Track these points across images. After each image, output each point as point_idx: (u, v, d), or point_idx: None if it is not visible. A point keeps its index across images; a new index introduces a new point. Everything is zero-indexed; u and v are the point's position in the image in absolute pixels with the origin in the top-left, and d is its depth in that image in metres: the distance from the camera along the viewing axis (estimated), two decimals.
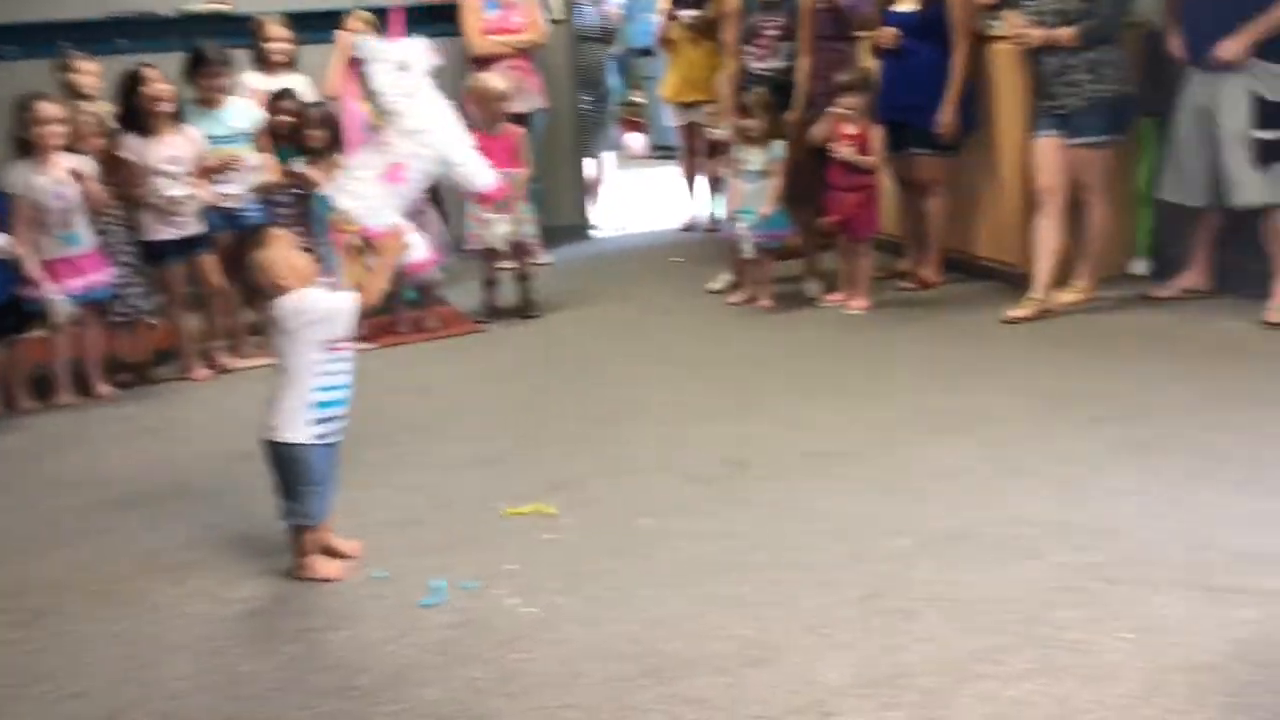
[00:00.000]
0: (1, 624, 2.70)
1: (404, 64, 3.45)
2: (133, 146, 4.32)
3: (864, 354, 4.44)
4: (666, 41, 6.91)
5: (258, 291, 2.90)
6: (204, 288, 4.61)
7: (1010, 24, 4.74)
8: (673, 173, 8.11)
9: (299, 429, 2.78)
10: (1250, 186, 4.41)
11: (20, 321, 4.31)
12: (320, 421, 2.79)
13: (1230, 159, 4.45)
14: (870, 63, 5.35)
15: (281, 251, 2.77)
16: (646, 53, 9.21)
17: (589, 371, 4.42)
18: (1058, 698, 2.20)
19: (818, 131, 5.04)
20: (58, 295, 4.15)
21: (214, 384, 4.52)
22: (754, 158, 5.01)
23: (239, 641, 2.59)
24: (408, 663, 2.45)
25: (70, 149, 4.21)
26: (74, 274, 4.20)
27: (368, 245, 3.66)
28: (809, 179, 5.27)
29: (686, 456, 3.49)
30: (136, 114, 4.30)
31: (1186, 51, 4.59)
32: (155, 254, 4.45)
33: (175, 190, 4.33)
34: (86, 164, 4.20)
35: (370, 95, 3.66)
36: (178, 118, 4.39)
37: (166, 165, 4.33)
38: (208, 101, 4.58)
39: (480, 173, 3.82)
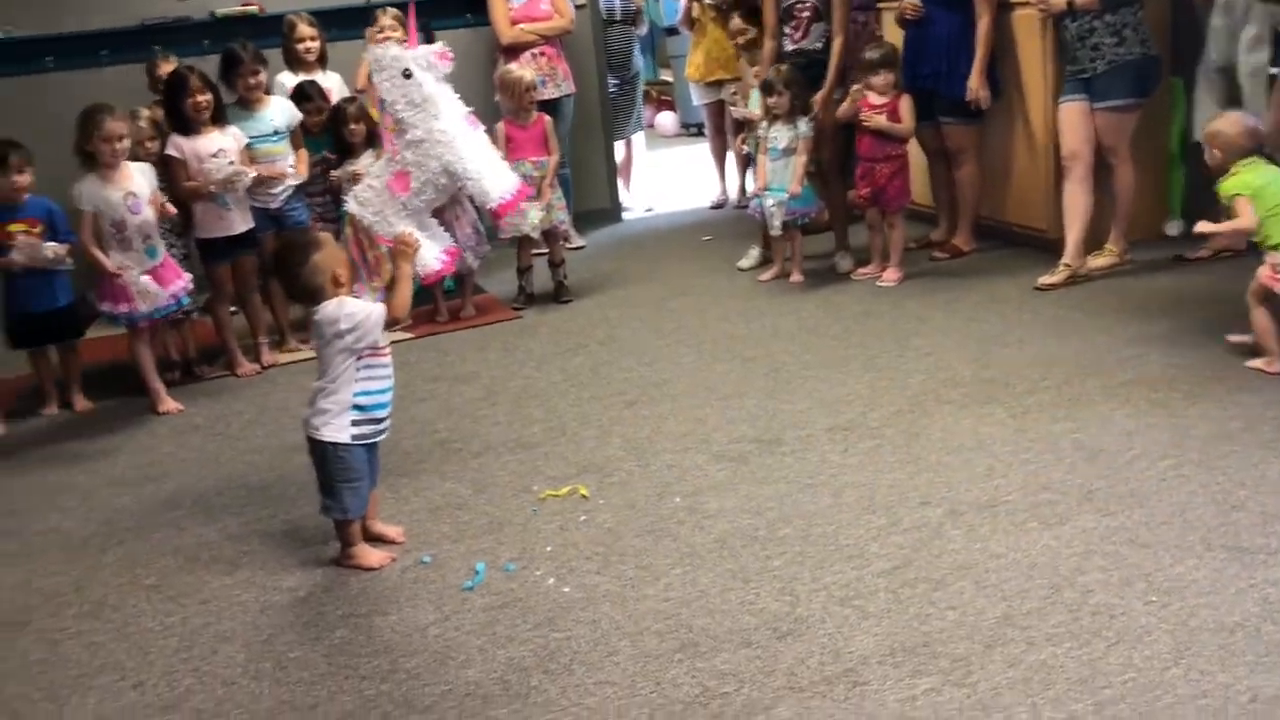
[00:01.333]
0: (68, 616, 2.83)
1: (409, 72, 3.33)
2: (179, 145, 4.41)
3: (896, 326, 4.46)
4: (691, 21, 6.93)
5: (299, 293, 2.98)
6: (247, 286, 4.72)
7: None
8: (702, 151, 8.15)
9: (338, 429, 2.86)
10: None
11: (77, 326, 4.46)
12: (359, 423, 2.87)
13: (1252, 97, 4.40)
14: (893, 33, 5.35)
15: (326, 256, 2.85)
16: (674, 31, 9.23)
17: (622, 354, 4.49)
18: (1086, 660, 2.24)
19: (845, 105, 5.05)
20: (132, 310, 4.19)
21: (259, 380, 4.64)
22: (781, 135, 5.03)
23: (288, 629, 2.69)
24: (451, 644, 2.54)
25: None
26: (160, 284, 4.25)
27: (377, 255, 3.65)
28: (838, 153, 5.29)
29: (717, 435, 3.55)
30: (181, 116, 4.40)
31: None
32: (205, 252, 4.57)
33: (227, 170, 4.41)
34: (149, 172, 4.26)
35: (380, 104, 3.61)
36: (219, 118, 4.48)
37: (214, 158, 4.43)
38: (247, 102, 4.68)
39: (493, 187, 3.53)
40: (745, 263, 5.58)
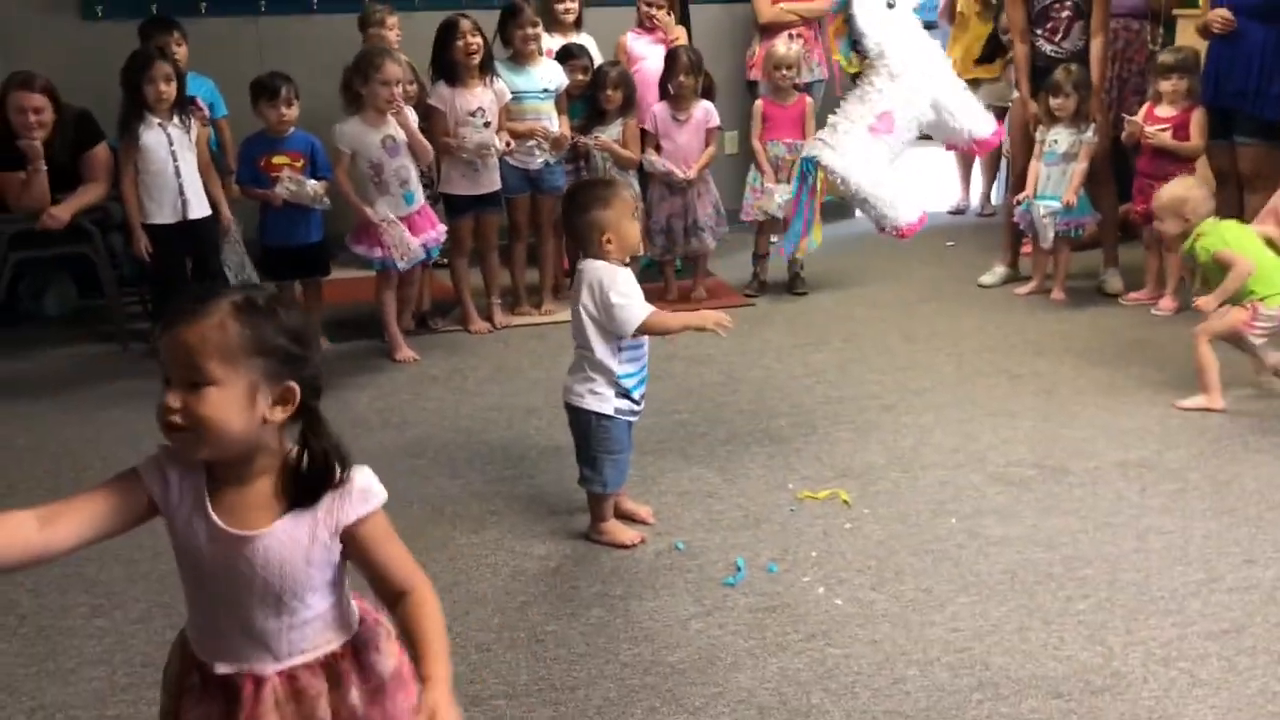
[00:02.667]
0: None
1: (893, 3, 3.08)
2: (442, 95, 4.38)
3: (1180, 359, 4.02)
4: (953, 14, 6.56)
5: (572, 232, 2.85)
6: (487, 244, 4.66)
7: None
8: (939, 153, 7.74)
9: (603, 400, 2.72)
10: None
11: (325, 263, 4.48)
12: (623, 396, 2.73)
13: None
14: (1193, 42, 4.89)
15: (610, 215, 2.68)
16: (927, 26, 8.83)
17: (869, 354, 4.22)
18: None
19: (1129, 117, 4.64)
20: (385, 256, 4.14)
21: (490, 338, 4.57)
22: (1061, 139, 4.66)
23: (541, 600, 2.55)
24: (716, 643, 2.35)
25: None
26: (414, 232, 4.19)
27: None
28: (1107, 162, 4.88)
29: (991, 454, 3.26)
30: (449, 64, 4.36)
31: None
32: (449, 205, 4.52)
33: (480, 137, 4.36)
34: (410, 116, 4.17)
35: (853, 37, 3.42)
36: (487, 70, 4.41)
37: (471, 116, 4.37)
38: (520, 56, 4.61)
39: (979, 120, 3.39)
40: (988, 279, 5.20)
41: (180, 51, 4.69)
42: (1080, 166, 4.65)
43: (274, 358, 1.34)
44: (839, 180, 3.16)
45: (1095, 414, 3.55)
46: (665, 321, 2.77)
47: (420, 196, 4.23)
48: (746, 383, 3.96)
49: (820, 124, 4.42)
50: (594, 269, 2.69)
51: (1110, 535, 2.75)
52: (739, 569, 2.64)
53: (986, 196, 6.70)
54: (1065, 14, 4.79)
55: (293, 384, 1.36)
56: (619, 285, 2.66)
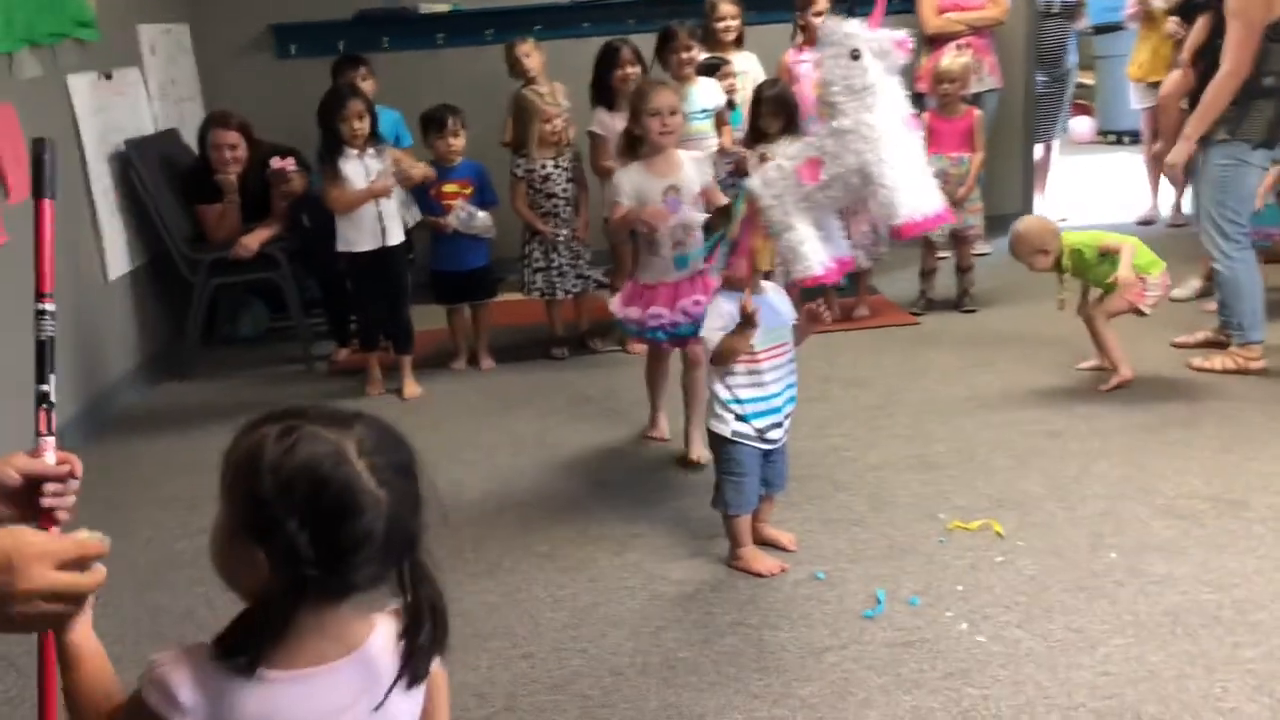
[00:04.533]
0: (466, 574, 2.86)
1: (858, 54, 2.87)
2: (603, 121, 4.47)
3: None
4: (1143, 15, 6.23)
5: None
6: None
7: None
8: (1121, 160, 7.38)
9: (721, 422, 2.73)
10: None
11: (492, 287, 4.65)
12: (739, 419, 2.71)
13: None
14: None
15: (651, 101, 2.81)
16: (1103, 29, 8.44)
17: (1038, 374, 4.05)
18: None
19: None
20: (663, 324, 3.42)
21: None
22: None
23: (676, 625, 2.56)
24: (850, 677, 2.30)
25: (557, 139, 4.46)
26: (664, 301, 3.41)
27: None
28: None
29: (1162, 485, 3.07)
30: (608, 90, 4.44)
31: None
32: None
33: None
34: (705, 166, 3.58)
35: (819, 82, 3.24)
36: None
37: None
38: (679, 78, 4.66)
39: (906, 202, 2.75)
40: (1182, 292, 4.88)
41: (367, 85, 4.95)
42: (1274, 171, 4.31)
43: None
44: (763, 213, 2.93)
45: None
46: (728, 345, 2.68)
47: (697, 261, 3.33)
48: (905, 405, 3.86)
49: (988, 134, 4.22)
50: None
51: None
52: (879, 601, 2.58)
53: (1178, 206, 6.31)
54: None
55: None
56: (715, 307, 2.72)
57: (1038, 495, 3.08)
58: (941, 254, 5.13)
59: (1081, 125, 10.33)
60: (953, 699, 2.21)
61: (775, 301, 2.76)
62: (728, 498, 2.75)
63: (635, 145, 3.41)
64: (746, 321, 2.61)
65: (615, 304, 3.55)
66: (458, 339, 4.68)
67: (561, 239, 4.56)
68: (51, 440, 1.23)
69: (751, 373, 2.70)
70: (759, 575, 2.75)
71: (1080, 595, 2.55)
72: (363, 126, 4.13)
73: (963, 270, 4.99)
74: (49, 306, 1.26)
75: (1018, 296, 5.03)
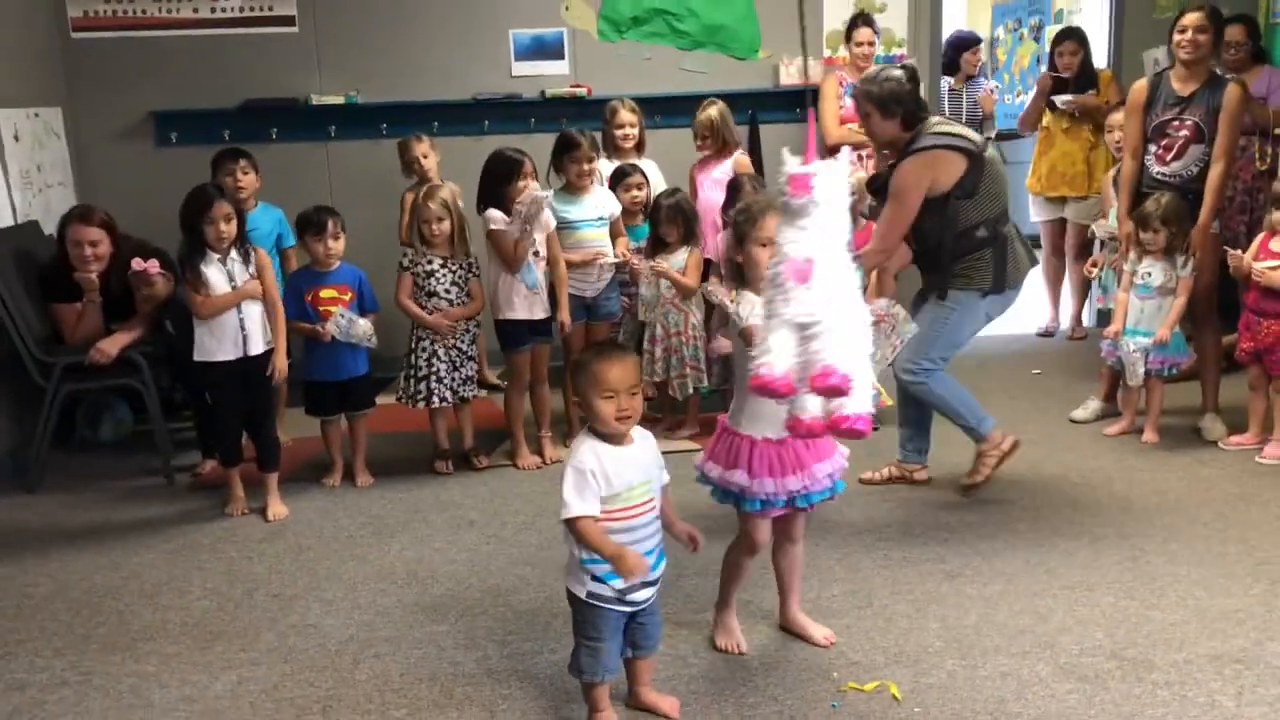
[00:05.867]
0: None
1: (788, 204, 2.18)
2: (497, 220, 4.25)
3: None
4: (1034, 125, 6.30)
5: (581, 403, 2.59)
6: (538, 374, 4.51)
7: None
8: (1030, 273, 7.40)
9: (577, 582, 2.48)
10: None
11: (370, 396, 4.39)
12: (595, 579, 2.45)
13: None
14: None
15: (588, 391, 2.42)
16: (1009, 136, 8.59)
17: (938, 508, 3.90)
18: None
19: (1233, 251, 4.28)
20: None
21: (538, 476, 4.39)
22: (1155, 272, 4.33)
23: None
24: None
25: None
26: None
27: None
28: (1211, 296, 4.52)
29: (1063, 638, 2.91)
30: (500, 196, 4.24)
31: None
32: (504, 336, 4.39)
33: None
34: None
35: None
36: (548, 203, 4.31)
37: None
38: (574, 188, 4.52)
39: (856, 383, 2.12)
40: (1081, 414, 4.84)
41: (249, 180, 4.70)
42: (1179, 302, 4.31)
43: None
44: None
45: (1187, 590, 3.17)
46: (589, 535, 2.39)
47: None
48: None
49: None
50: (580, 436, 2.49)
51: None
52: None
53: (1078, 318, 6.34)
54: (1183, 134, 4.42)
55: None
56: (577, 457, 2.42)
57: (936, 649, 2.89)
58: None
59: None
60: None
61: (647, 452, 2.52)
62: (583, 664, 2.50)
63: (741, 273, 2.81)
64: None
65: (701, 464, 2.83)
66: (332, 453, 4.38)
67: (445, 341, 4.32)
68: None
69: (617, 531, 2.43)
70: None
71: None
72: (229, 229, 3.87)
73: None
74: None
75: None
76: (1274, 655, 2.79)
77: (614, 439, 2.45)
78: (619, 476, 2.42)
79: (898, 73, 3.81)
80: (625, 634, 2.55)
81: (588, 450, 2.43)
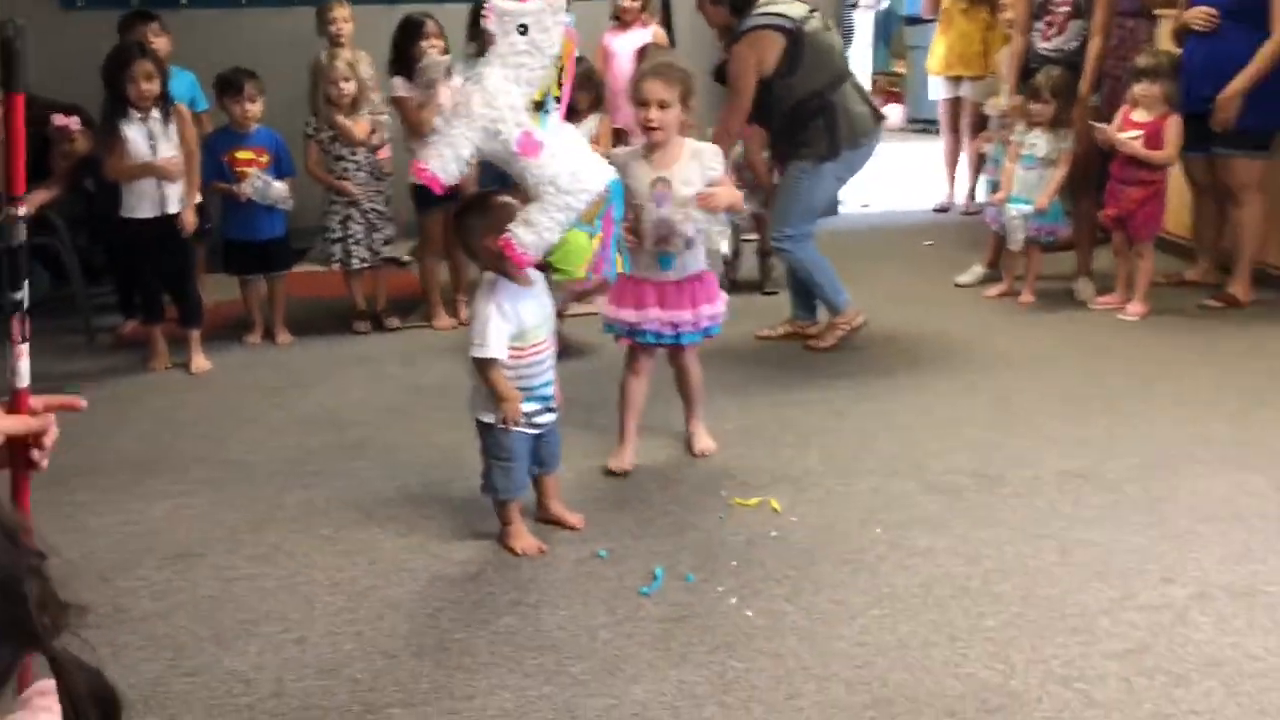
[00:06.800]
0: (244, 557, 2.79)
1: (525, 29, 2.56)
2: (398, 87, 4.36)
3: (1140, 368, 4.01)
4: (936, 8, 6.52)
5: (471, 254, 2.84)
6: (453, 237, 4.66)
7: None
8: (929, 148, 7.71)
9: (484, 410, 2.73)
10: None
11: (288, 258, 4.51)
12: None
13: None
14: (1171, 45, 4.83)
15: (492, 224, 2.62)
16: (915, 21, 8.79)
17: (828, 360, 4.20)
18: None
19: (1105, 123, 4.58)
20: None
21: (455, 334, 4.58)
22: (1040, 143, 4.62)
23: (455, 606, 2.56)
24: (622, 654, 2.35)
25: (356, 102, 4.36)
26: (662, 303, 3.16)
27: None
28: (1089, 168, 4.83)
29: (931, 462, 3.24)
30: (408, 61, 4.34)
31: None
32: (418, 199, 4.52)
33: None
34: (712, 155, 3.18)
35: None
36: (450, 70, 4.40)
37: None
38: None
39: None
40: (965, 278, 5.17)
41: (160, 43, 4.68)
42: (1059, 173, 4.61)
43: None
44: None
45: (1045, 421, 3.52)
46: (493, 376, 2.67)
47: (684, 261, 3.12)
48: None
49: None
50: (488, 278, 2.70)
51: (1034, 549, 2.73)
52: (656, 578, 2.64)
53: (971, 193, 6.65)
54: (1063, 9, 4.73)
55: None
56: (494, 297, 2.66)
57: (817, 472, 3.20)
58: (746, 236, 5.25)
59: (892, 113, 10.73)
60: (717, 672, 2.28)
61: (544, 296, 2.76)
62: (496, 482, 2.76)
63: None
64: None
65: (606, 305, 3.21)
66: (252, 312, 4.52)
67: (358, 204, 4.45)
68: (25, 347, 1.26)
69: (520, 366, 2.70)
70: (513, 554, 2.76)
71: (845, 569, 2.67)
72: (151, 88, 3.92)
73: (765, 254, 5.12)
74: (21, 211, 1.22)
75: None
76: (1109, 471, 3.15)
77: (520, 281, 2.67)
78: (526, 315, 2.67)
79: None
80: (532, 455, 2.81)
81: (502, 288, 2.65)
